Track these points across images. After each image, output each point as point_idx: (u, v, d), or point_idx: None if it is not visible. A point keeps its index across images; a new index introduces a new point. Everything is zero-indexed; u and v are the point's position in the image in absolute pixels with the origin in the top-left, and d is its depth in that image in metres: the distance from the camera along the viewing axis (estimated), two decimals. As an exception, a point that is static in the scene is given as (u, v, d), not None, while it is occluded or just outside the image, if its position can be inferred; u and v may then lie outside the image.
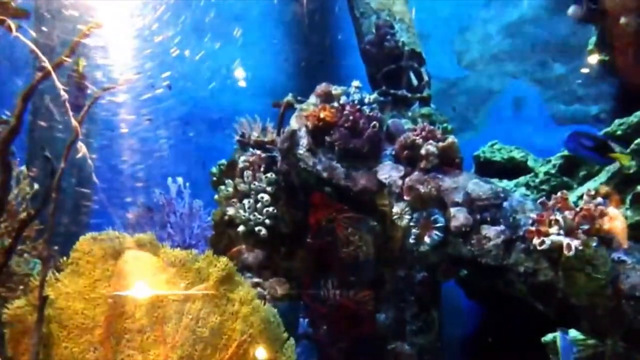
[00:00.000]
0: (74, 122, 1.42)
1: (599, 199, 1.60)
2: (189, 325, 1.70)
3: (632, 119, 2.91)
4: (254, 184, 2.22)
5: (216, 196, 2.34)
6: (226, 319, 1.74)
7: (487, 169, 3.42)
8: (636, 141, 2.62)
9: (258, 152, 2.28)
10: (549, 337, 2.52)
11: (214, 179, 2.39)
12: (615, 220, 1.56)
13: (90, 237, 1.72)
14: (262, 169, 2.25)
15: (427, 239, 1.78)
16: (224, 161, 2.40)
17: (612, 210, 1.58)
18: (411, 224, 1.82)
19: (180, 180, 2.95)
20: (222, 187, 2.29)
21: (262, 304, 1.84)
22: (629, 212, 2.47)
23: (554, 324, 2.35)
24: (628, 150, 2.40)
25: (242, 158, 2.29)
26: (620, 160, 2.25)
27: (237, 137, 2.40)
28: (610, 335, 1.63)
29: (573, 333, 2.38)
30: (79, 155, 1.46)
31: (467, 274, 2.55)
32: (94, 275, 1.68)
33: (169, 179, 2.97)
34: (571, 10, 2.26)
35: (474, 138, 3.68)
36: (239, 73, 3.66)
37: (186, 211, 2.85)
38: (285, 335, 1.82)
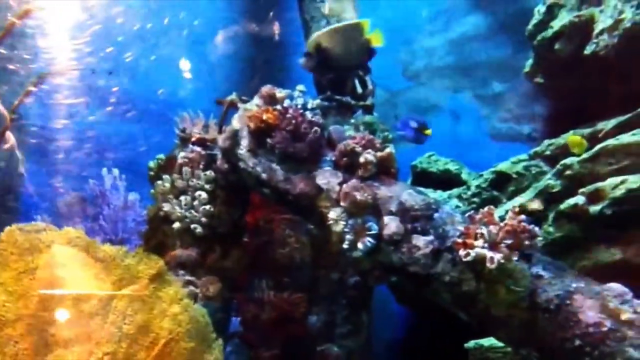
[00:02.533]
0: (4, 111, 1.38)
1: (523, 216, 1.68)
2: (115, 322, 1.67)
3: (560, 140, 3.07)
4: (192, 181, 2.20)
5: (152, 191, 2.30)
6: (154, 317, 1.73)
7: (423, 179, 3.53)
8: (561, 162, 2.78)
9: (198, 149, 2.26)
10: (471, 343, 2.63)
11: (151, 173, 2.35)
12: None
13: (17, 228, 1.67)
14: (201, 167, 2.23)
15: (360, 245, 1.82)
16: (162, 156, 2.36)
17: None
18: (346, 229, 1.85)
19: (115, 171, 2.89)
20: (159, 182, 2.26)
21: (192, 303, 1.84)
22: (551, 229, 2.61)
23: (475, 332, 2.46)
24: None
25: (182, 154, 2.26)
26: (427, 134, 2.44)
27: (177, 132, 2.37)
28: (525, 346, 1.72)
29: (492, 341, 2.50)
30: (7, 146, 1.41)
31: (398, 280, 2.62)
32: (18, 267, 1.63)
33: (104, 170, 2.91)
34: (302, 60, 2.35)
35: (413, 148, 3.77)
36: (184, 65, 3.62)
37: (120, 204, 2.80)
38: (214, 334, 1.82)
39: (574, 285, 1.63)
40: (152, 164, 2.39)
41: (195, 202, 2.19)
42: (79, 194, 2.89)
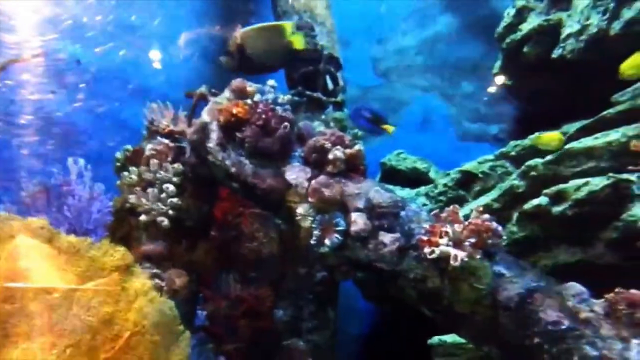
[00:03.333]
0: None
1: (486, 215, 1.72)
2: (78, 314, 1.65)
3: (526, 141, 3.14)
4: (160, 173, 2.17)
5: (119, 182, 2.27)
6: (119, 309, 1.70)
7: (392, 176, 3.57)
8: (526, 163, 2.84)
9: (166, 141, 2.24)
10: (434, 340, 2.67)
11: (118, 164, 2.32)
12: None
13: (-21, 218, 1.63)
14: (169, 159, 2.21)
15: (327, 241, 1.83)
16: (129, 147, 2.33)
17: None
18: (314, 225, 1.86)
19: (81, 161, 2.83)
20: (126, 173, 2.23)
21: (158, 295, 1.82)
22: (514, 229, 2.67)
23: (439, 328, 2.50)
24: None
25: (150, 146, 2.23)
26: (387, 130, 2.46)
27: (146, 123, 2.34)
28: (487, 342, 1.76)
29: (455, 338, 2.55)
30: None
31: (364, 276, 2.64)
32: (-22, 257, 1.59)
33: (70, 160, 2.85)
34: (223, 59, 2.34)
35: (382, 145, 3.81)
36: (154, 55, 3.57)
37: (86, 194, 2.75)
38: (181, 327, 1.81)
39: (534, 284, 1.67)
40: (119, 155, 2.35)
41: (163, 195, 2.16)
42: (44, 183, 2.83)
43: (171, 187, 2.17)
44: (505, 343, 1.69)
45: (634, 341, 1.53)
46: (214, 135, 2.04)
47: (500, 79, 3.73)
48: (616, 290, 1.60)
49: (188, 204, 2.21)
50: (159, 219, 2.15)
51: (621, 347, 1.53)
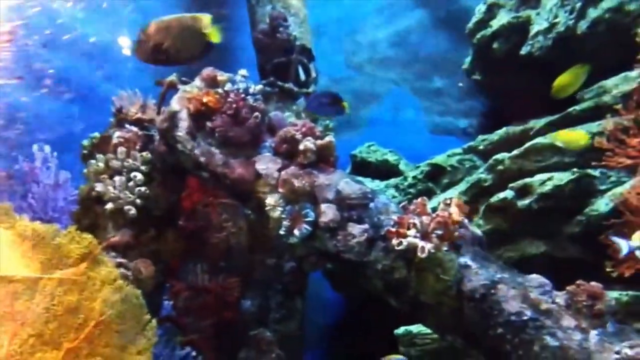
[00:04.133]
0: None
1: (453, 208, 1.75)
2: (42, 303, 1.62)
3: (493, 136, 3.19)
4: (128, 162, 2.14)
5: (85, 170, 2.23)
6: (85, 298, 1.68)
7: (362, 168, 3.59)
8: (494, 157, 2.89)
9: (135, 129, 2.20)
10: (400, 330, 2.71)
11: (84, 152, 2.27)
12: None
13: (-64, 204, 1.58)
14: (137, 147, 2.17)
15: (296, 232, 1.84)
16: (96, 134, 2.29)
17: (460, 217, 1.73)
18: (283, 215, 1.86)
19: (47, 148, 2.77)
20: (93, 161, 2.18)
21: (125, 284, 1.79)
22: (481, 222, 2.72)
23: (405, 319, 2.53)
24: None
25: (117, 133, 2.19)
26: (345, 107, 2.49)
27: (113, 110, 2.30)
28: (452, 332, 1.79)
29: (420, 328, 2.59)
30: None
31: (333, 267, 2.66)
32: (-64, 244, 1.55)
33: (35, 146, 2.78)
34: (132, 47, 2.22)
35: (353, 137, 3.82)
36: (123, 42, 3.51)
37: (51, 182, 2.69)
38: (148, 317, 1.79)
39: (498, 275, 1.71)
40: (85, 142, 2.30)
41: (130, 183, 2.13)
42: (8, 170, 2.76)
43: (139, 176, 2.14)
44: (469, 333, 1.73)
45: (593, 332, 1.58)
46: (184, 124, 2.02)
47: (470, 74, 3.78)
48: (577, 282, 1.65)
49: (156, 193, 2.18)
50: (126, 207, 2.12)
51: (580, 338, 1.57)
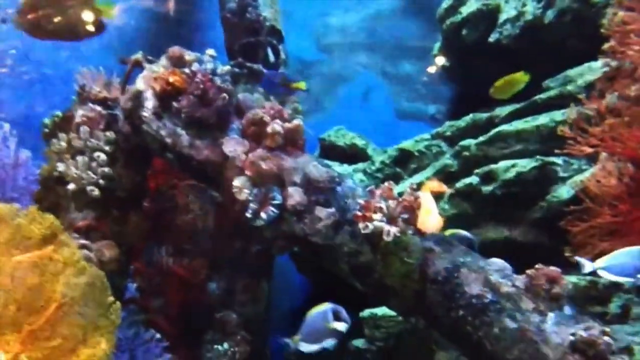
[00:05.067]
0: None
1: (419, 192, 1.76)
2: (2, 284, 1.58)
3: (461, 122, 3.23)
4: (91, 141, 2.09)
5: (46, 149, 2.17)
6: (46, 279, 1.64)
7: (330, 151, 3.59)
8: (460, 143, 2.92)
9: (98, 108, 2.15)
10: (365, 313, 2.74)
11: (46, 130, 2.21)
12: (429, 212, 1.74)
13: None
14: (101, 127, 2.12)
15: (263, 215, 1.83)
16: (59, 112, 2.22)
17: (429, 203, 1.75)
18: (250, 198, 1.85)
19: (7, 126, 2.68)
20: (55, 140, 2.13)
21: (88, 266, 1.76)
22: (446, 206, 2.76)
23: (370, 301, 2.56)
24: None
25: (80, 112, 2.14)
26: (299, 87, 2.50)
27: (77, 89, 2.24)
28: (415, 314, 1.82)
29: (385, 310, 2.62)
30: None
31: (299, 250, 2.67)
32: None
33: (-7, 124, 2.69)
34: (14, 16, 2.16)
35: (322, 120, 3.82)
36: (88, 18, 3.41)
37: (10, 161, 2.61)
38: (111, 299, 1.77)
39: (461, 259, 1.74)
40: (47, 121, 2.24)
41: (93, 164, 2.09)
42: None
43: (102, 156, 2.09)
44: (431, 315, 1.76)
45: (550, 314, 1.62)
46: (149, 103, 1.98)
47: (439, 60, 3.80)
48: (536, 266, 1.69)
49: (120, 173, 2.14)
50: (89, 188, 2.07)
51: (538, 320, 1.62)
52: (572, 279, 2.08)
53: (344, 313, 1.76)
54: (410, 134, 3.47)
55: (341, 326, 1.74)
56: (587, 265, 1.73)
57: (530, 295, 1.66)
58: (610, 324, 1.83)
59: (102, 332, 1.69)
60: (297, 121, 1.97)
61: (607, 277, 1.71)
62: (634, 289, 2.07)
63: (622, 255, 1.71)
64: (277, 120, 1.92)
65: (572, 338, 1.54)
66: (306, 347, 1.81)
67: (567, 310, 1.64)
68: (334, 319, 1.76)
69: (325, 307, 1.78)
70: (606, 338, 1.50)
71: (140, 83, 2.01)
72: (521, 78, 2.56)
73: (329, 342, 1.78)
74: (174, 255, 2.49)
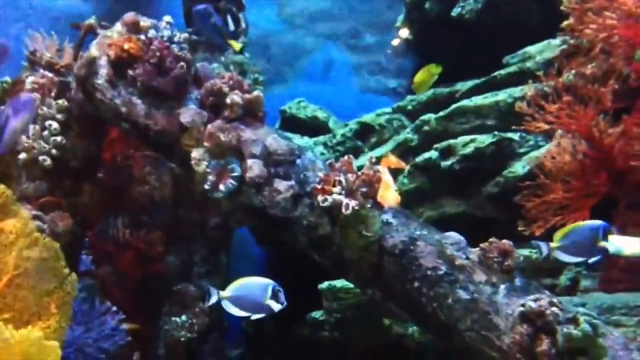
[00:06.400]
0: None
1: (378, 166, 1.77)
2: (-52, 257, 1.52)
3: (421, 97, 3.24)
4: (42, 109, 2.02)
5: (-5, 117, 2.08)
6: (-2, 251, 1.60)
7: (291, 124, 3.57)
8: (421, 117, 2.94)
9: (50, 74, 2.07)
10: (324, 285, 2.76)
11: (-6, 97, 2.13)
12: (388, 186, 1.75)
13: None
14: (53, 94, 2.05)
15: (222, 187, 1.81)
16: (7, 79, 2.14)
17: (386, 177, 1.76)
18: (208, 170, 1.83)
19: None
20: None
21: (42, 237, 1.71)
22: (405, 180, 2.78)
23: (329, 274, 2.58)
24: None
25: (31, 78, 2.06)
26: (233, 46, 2.51)
27: (26, 53, 2.15)
28: (372, 286, 1.84)
29: (343, 282, 2.65)
30: None
31: (258, 223, 2.66)
32: None
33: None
34: None
35: (284, 92, 3.78)
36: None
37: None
38: (67, 271, 1.73)
39: (418, 232, 1.76)
40: (-5, 86, 2.16)
41: (45, 133, 2.02)
42: None
43: (54, 125, 2.03)
44: (388, 287, 1.79)
45: (502, 286, 1.67)
46: (103, 71, 1.92)
47: (403, 33, 3.79)
48: (490, 240, 1.73)
49: (73, 143, 2.07)
50: (41, 158, 2.01)
51: (490, 292, 1.66)
52: (525, 252, 2.13)
53: (282, 295, 1.76)
54: (372, 107, 3.47)
55: (276, 307, 1.74)
56: (544, 248, 1.78)
57: (484, 268, 1.70)
58: (560, 296, 1.90)
59: (57, 305, 1.65)
60: (257, 92, 1.94)
61: (563, 259, 1.76)
62: (584, 263, 2.14)
63: (574, 233, 1.76)
64: (237, 91, 1.89)
65: (521, 309, 1.59)
66: (232, 309, 1.80)
67: (518, 282, 1.68)
68: (272, 297, 1.75)
69: (267, 282, 1.77)
70: (554, 309, 1.55)
71: (94, 49, 1.94)
72: (435, 70, 2.75)
73: (257, 316, 1.79)
74: (131, 227, 2.45)
